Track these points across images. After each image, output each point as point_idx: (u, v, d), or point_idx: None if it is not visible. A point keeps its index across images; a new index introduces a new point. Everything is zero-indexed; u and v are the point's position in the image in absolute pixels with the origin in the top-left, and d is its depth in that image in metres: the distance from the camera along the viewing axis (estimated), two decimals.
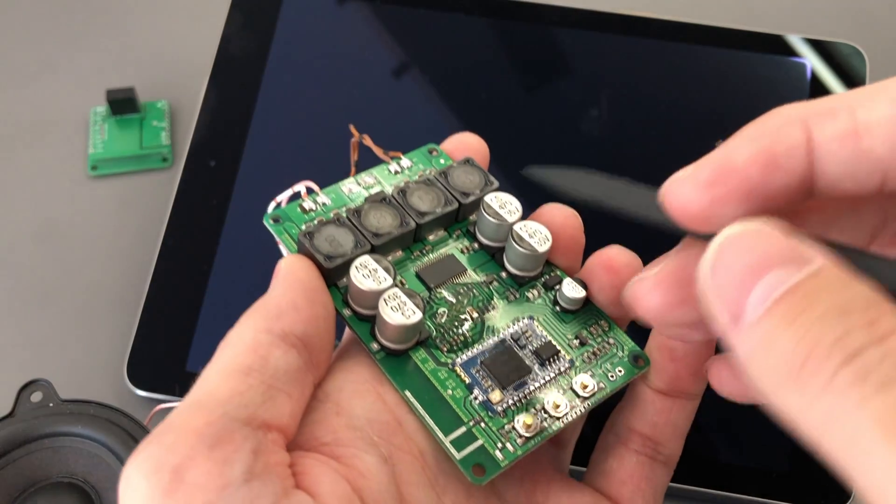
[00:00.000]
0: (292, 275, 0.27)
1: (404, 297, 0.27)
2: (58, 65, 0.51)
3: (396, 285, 0.27)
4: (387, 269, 0.28)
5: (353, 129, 0.35)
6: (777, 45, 0.50)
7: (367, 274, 0.27)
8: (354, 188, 0.31)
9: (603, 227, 0.30)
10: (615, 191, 0.25)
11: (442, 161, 0.32)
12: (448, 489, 0.27)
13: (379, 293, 0.27)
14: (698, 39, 0.50)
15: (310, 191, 0.31)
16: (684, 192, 0.22)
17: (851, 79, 0.49)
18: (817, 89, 0.48)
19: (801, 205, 0.22)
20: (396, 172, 0.32)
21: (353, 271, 0.27)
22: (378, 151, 0.33)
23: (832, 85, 0.49)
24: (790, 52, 0.50)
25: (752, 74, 0.50)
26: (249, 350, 0.24)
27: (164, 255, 0.44)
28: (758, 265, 0.19)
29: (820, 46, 0.50)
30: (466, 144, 0.32)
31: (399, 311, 0.27)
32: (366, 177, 0.31)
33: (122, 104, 0.48)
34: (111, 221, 0.47)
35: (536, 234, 0.29)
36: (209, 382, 0.24)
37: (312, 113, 0.48)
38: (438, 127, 0.48)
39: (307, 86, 0.49)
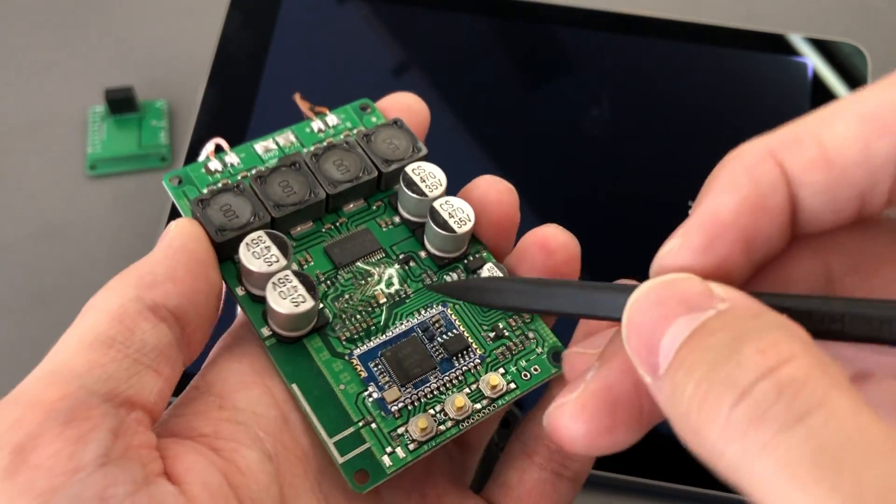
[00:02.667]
0: (178, 240, 0.24)
1: (295, 282, 0.24)
2: (56, 64, 0.51)
3: (290, 267, 0.25)
4: (282, 247, 0.25)
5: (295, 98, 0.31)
6: (778, 45, 0.50)
7: (258, 253, 0.24)
8: (271, 146, 0.28)
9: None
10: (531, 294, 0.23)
11: (374, 120, 0.29)
12: (330, 496, 0.24)
13: (269, 276, 0.24)
14: (698, 39, 0.50)
15: (218, 149, 0.28)
16: (677, 265, 0.20)
17: (853, 78, 0.49)
18: (818, 89, 0.48)
19: (783, 249, 0.21)
20: (320, 131, 0.29)
21: (242, 248, 0.25)
22: (304, 107, 0.29)
23: (833, 84, 0.48)
24: (791, 51, 0.49)
25: (753, 74, 0.49)
26: (114, 319, 0.22)
27: None
28: (665, 315, 0.18)
29: (821, 46, 0.49)
30: (405, 105, 0.29)
31: (288, 298, 0.24)
32: (284, 135, 0.28)
33: (121, 103, 0.48)
34: (110, 221, 0.47)
35: (457, 214, 0.26)
36: (65, 351, 0.21)
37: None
38: (438, 127, 0.47)
39: (306, 85, 0.49)
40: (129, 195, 0.47)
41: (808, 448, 0.15)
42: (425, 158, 0.28)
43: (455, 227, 0.26)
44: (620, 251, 0.45)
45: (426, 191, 0.27)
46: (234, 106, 0.47)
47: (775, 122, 0.52)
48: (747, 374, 0.16)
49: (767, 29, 0.50)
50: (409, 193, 0.27)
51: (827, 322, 0.18)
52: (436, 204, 0.27)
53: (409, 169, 0.27)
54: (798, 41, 0.50)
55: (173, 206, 0.45)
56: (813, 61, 0.49)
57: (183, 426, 0.23)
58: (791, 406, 0.16)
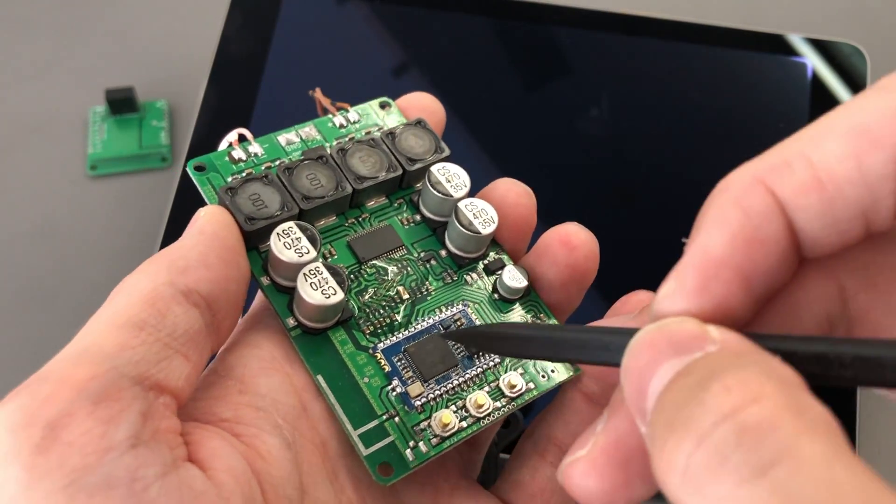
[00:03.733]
0: (209, 226, 0.24)
1: (326, 274, 0.24)
2: (57, 64, 0.51)
3: (320, 259, 0.25)
4: (312, 239, 0.25)
5: (312, 94, 0.31)
6: (778, 45, 0.50)
7: (288, 243, 0.25)
8: (294, 139, 0.28)
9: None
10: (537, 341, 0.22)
11: (394, 119, 0.29)
12: (346, 486, 0.24)
13: (299, 266, 0.25)
14: (698, 39, 0.50)
15: (242, 138, 0.28)
16: (673, 310, 0.19)
17: (852, 78, 0.49)
18: (818, 89, 0.48)
19: (790, 276, 0.20)
20: (342, 126, 0.29)
21: (273, 238, 0.25)
22: (325, 102, 0.30)
23: (833, 85, 0.49)
24: (791, 51, 0.49)
25: (753, 74, 0.49)
26: (146, 302, 0.22)
27: None
28: (656, 359, 0.17)
29: (821, 46, 0.50)
30: (423, 104, 0.29)
31: (319, 290, 0.24)
32: (307, 128, 0.29)
33: (122, 104, 0.48)
34: (110, 221, 0.47)
35: (481, 215, 0.27)
36: (96, 332, 0.21)
37: (312, 113, 0.48)
38: None
39: (307, 86, 0.49)
40: (129, 195, 0.47)
41: None
42: (448, 159, 0.28)
43: (480, 227, 0.27)
44: (620, 251, 0.45)
45: (451, 191, 0.27)
46: (234, 106, 0.47)
47: (775, 122, 0.53)
48: (708, 416, 0.15)
49: (767, 29, 0.50)
50: (434, 192, 0.27)
51: (836, 368, 0.17)
52: (461, 205, 0.27)
53: (434, 169, 0.27)
54: (798, 41, 0.50)
55: (176, 201, 0.45)
56: (812, 61, 0.49)
57: (204, 410, 0.23)
58: (754, 454, 0.14)
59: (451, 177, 0.27)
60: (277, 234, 0.25)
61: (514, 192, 0.28)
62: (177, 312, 0.22)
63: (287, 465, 0.23)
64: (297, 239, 0.25)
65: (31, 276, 0.45)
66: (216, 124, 0.47)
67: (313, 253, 0.25)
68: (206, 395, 0.23)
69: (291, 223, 0.25)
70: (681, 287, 0.18)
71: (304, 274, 0.24)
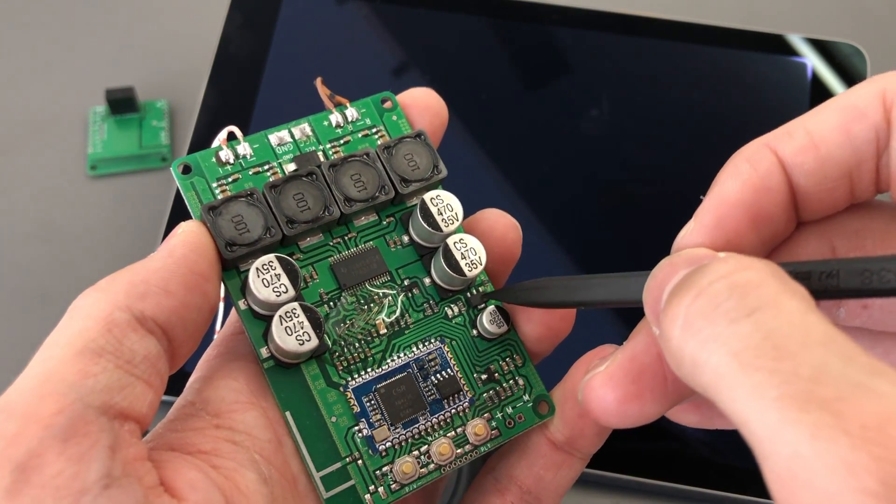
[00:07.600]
0: (180, 249, 0.23)
1: (302, 318, 0.24)
2: (57, 64, 0.51)
3: (299, 297, 0.25)
4: (292, 275, 0.24)
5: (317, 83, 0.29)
6: (777, 45, 0.50)
7: (267, 280, 0.24)
8: (286, 138, 0.27)
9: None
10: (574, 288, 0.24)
11: (395, 118, 0.28)
12: None
13: (276, 305, 0.24)
14: (698, 39, 0.50)
15: (231, 137, 0.26)
16: (692, 243, 0.22)
17: (852, 78, 0.49)
18: (818, 89, 0.48)
19: (789, 232, 0.23)
20: (338, 126, 0.27)
21: (252, 274, 0.24)
22: (324, 94, 0.28)
23: (833, 85, 0.49)
24: (791, 51, 0.49)
25: (753, 74, 0.49)
26: (102, 328, 0.21)
27: None
28: (672, 272, 0.20)
29: (821, 46, 0.50)
30: (425, 102, 0.28)
31: (293, 335, 0.24)
32: (301, 126, 0.27)
33: (122, 104, 0.48)
34: (111, 221, 0.47)
35: (469, 255, 0.26)
36: (56, 358, 0.21)
37: (313, 112, 0.48)
38: None
39: (307, 85, 0.49)
40: (129, 195, 0.47)
41: (755, 339, 0.17)
42: (445, 180, 0.27)
43: (465, 269, 0.26)
44: (619, 250, 0.45)
45: (441, 225, 0.26)
46: (234, 106, 0.47)
47: (775, 122, 0.52)
48: (706, 278, 0.18)
49: (767, 29, 0.50)
50: (424, 225, 0.26)
51: (824, 278, 0.19)
52: (450, 241, 0.26)
53: (427, 197, 0.26)
54: (798, 41, 0.50)
55: (176, 200, 0.45)
56: (812, 61, 0.49)
57: (182, 441, 0.23)
58: (742, 302, 0.17)
59: (444, 209, 0.26)
60: (257, 268, 0.24)
61: (502, 225, 0.28)
62: (133, 339, 0.21)
63: (263, 500, 0.23)
64: (276, 276, 0.24)
65: (31, 276, 0.45)
66: (216, 124, 0.47)
67: (292, 292, 0.24)
68: (183, 426, 0.23)
69: (272, 257, 0.24)
70: (698, 225, 0.22)
71: (281, 316, 0.24)
